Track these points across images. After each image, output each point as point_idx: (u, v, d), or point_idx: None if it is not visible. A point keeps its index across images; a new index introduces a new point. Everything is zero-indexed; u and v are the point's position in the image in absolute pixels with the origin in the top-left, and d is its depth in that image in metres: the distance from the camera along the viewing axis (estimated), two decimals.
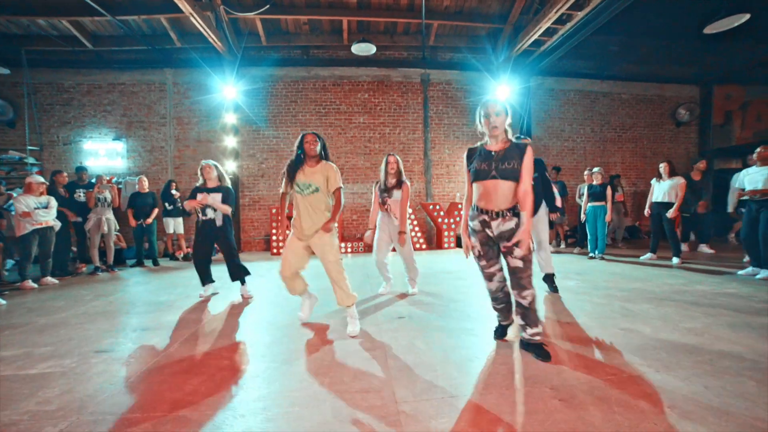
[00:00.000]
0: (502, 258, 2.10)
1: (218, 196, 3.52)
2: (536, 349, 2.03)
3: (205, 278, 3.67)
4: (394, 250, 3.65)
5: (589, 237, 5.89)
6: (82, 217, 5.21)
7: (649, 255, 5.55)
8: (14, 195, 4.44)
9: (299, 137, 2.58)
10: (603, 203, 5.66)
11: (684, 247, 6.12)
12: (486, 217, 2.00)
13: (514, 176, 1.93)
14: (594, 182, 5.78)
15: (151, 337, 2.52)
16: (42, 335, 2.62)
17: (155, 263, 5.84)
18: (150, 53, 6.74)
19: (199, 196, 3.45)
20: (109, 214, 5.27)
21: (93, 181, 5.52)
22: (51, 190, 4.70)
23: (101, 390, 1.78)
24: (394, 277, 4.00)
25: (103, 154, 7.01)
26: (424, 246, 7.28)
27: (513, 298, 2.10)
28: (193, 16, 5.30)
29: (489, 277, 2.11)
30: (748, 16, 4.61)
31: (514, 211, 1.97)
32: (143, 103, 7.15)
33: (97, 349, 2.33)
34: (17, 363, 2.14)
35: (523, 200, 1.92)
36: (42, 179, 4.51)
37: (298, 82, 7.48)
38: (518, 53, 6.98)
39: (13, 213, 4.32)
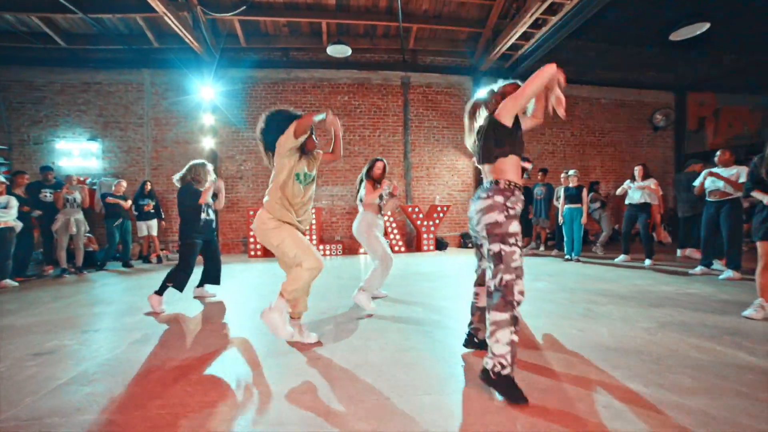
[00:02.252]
0: None
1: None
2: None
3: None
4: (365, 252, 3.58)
5: (565, 239, 5.94)
6: (49, 218, 5.08)
7: (622, 257, 5.62)
8: None
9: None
10: (579, 205, 5.72)
11: (686, 252, 5.76)
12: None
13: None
14: (570, 185, 5.86)
15: (95, 340, 2.45)
16: None
17: (126, 265, 5.71)
18: (127, 53, 6.65)
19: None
20: (79, 215, 5.15)
21: (61, 180, 5.38)
22: (9, 191, 4.55)
23: (24, 395, 1.70)
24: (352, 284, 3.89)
25: (77, 154, 6.87)
26: (403, 249, 7.26)
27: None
28: (167, 15, 5.24)
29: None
30: (708, 25, 4.75)
31: None
32: (120, 103, 7.03)
33: (36, 352, 2.25)
34: None
35: None
36: (2, 179, 4.40)
37: (277, 83, 7.46)
38: (497, 57, 7.06)
39: None
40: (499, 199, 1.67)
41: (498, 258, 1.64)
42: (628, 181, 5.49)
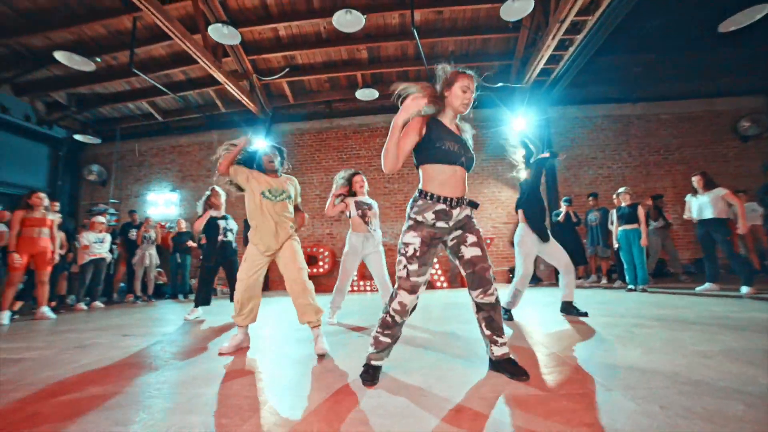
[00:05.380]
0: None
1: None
2: (510, 367, 1.62)
3: (205, 300, 3.83)
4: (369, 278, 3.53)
5: (625, 266, 5.13)
6: (133, 253, 6.07)
7: (707, 285, 4.48)
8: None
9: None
10: (635, 226, 4.99)
11: None
12: (446, 206, 1.63)
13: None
14: (622, 204, 5.21)
15: (120, 341, 2.78)
16: (57, 336, 3.04)
17: (185, 296, 6.42)
18: (202, 119, 8.16)
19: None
20: (152, 250, 6.08)
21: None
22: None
23: (63, 371, 2.01)
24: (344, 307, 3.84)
25: (162, 203, 8.31)
26: (445, 285, 6.97)
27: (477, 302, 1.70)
28: (229, 85, 6.41)
29: (414, 290, 1.60)
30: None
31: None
32: (194, 160, 8.49)
33: (78, 345, 2.63)
34: (27, 353, 2.52)
35: None
36: (103, 220, 5.49)
37: (322, 132, 8.30)
38: (529, 84, 7.00)
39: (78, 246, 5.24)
40: None
41: None
42: (688, 195, 4.70)
